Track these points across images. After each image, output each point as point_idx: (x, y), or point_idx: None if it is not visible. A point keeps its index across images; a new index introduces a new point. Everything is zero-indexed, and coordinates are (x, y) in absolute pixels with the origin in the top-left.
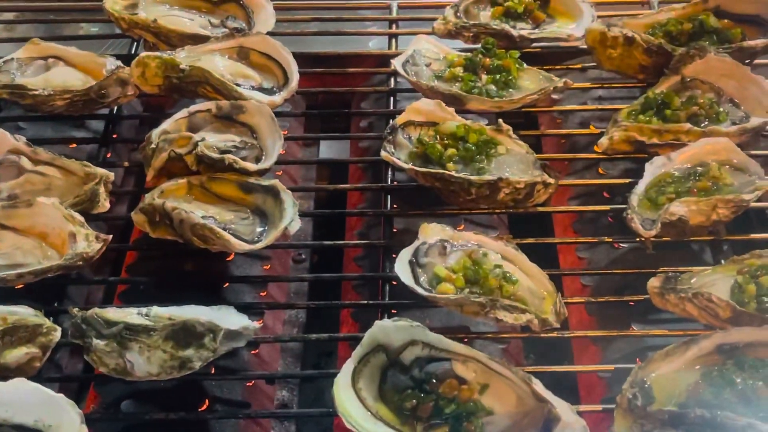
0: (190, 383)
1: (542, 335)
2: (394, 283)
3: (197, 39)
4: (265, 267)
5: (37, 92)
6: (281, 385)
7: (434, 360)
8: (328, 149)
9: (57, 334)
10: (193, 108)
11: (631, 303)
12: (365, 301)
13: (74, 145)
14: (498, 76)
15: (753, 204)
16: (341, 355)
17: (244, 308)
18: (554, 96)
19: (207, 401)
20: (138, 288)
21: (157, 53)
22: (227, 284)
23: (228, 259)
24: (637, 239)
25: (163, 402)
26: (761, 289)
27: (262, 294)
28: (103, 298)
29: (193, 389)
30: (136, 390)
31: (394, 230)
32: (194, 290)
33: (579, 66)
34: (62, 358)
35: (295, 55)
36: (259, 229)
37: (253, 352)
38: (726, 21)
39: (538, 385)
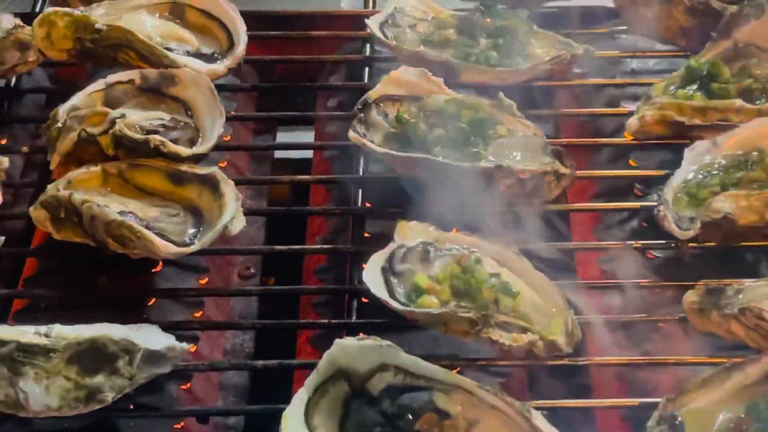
0: (101, 422)
1: (550, 362)
2: (365, 300)
3: None
4: (201, 281)
5: None
6: (220, 430)
7: (410, 389)
8: (290, 139)
9: None
10: (111, 78)
11: (663, 324)
12: (325, 320)
13: None
14: (501, 41)
15: None
16: (297, 390)
17: (172, 328)
18: (575, 69)
19: None
20: (38, 305)
21: (67, 9)
22: (152, 300)
23: (154, 270)
24: (673, 244)
25: None
26: None
27: (196, 315)
28: None
29: (105, 431)
30: None
31: (366, 235)
32: (110, 309)
33: (606, 30)
34: None
35: (245, 15)
36: (192, 230)
37: (183, 386)
38: None
39: (539, 420)
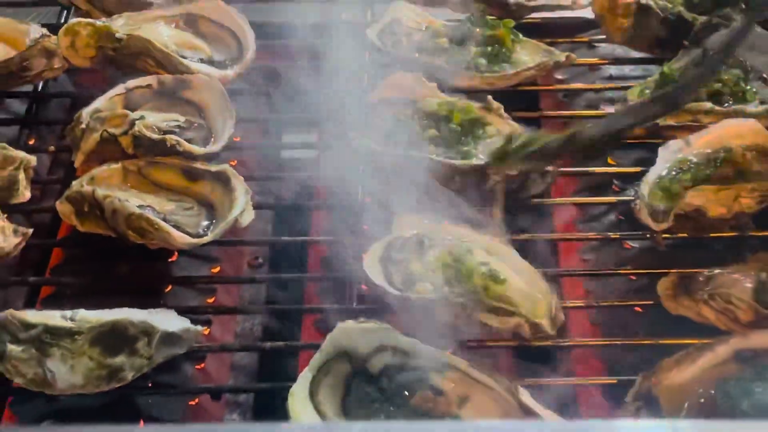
0: (121, 399)
1: (535, 344)
2: (365, 287)
3: (137, 5)
4: (214, 270)
5: None
6: (231, 407)
7: (407, 369)
8: (295, 139)
9: None
10: (131, 83)
11: (639, 309)
12: (328, 306)
13: None
14: (489, 49)
15: None
16: (302, 370)
17: (187, 312)
18: (558, 76)
19: (142, 422)
20: (64, 292)
21: (90, 20)
22: (169, 287)
23: (170, 259)
24: (648, 235)
25: (90, 422)
26: None
27: (209, 301)
28: (24, 304)
29: (125, 407)
30: (59, 408)
31: (366, 227)
32: (130, 295)
33: (586, 40)
34: None
35: (254, 25)
36: (205, 223)
37: (197, 366)
38: None
39: (525, 396)
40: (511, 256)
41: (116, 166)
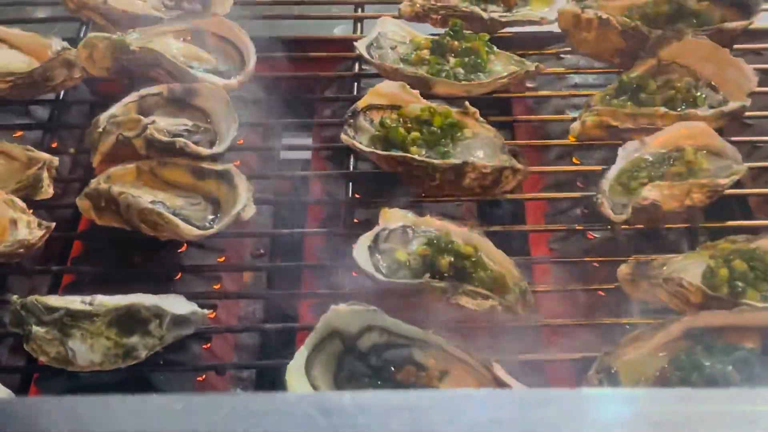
0: (136, 375)
1: (508, 324)
2: (354, 273)
3: (149, 21)
4: (219, 259)
5: None
6: (235, 382)
7: (392, 346)
8: (293, 142)
9: None
10: (143, 91)
11: (601, 292)
12: (322, 290)
13: (20, 133)
14: (466, 60)
15: (731, 191)
16: (299, 348)
17: (194, 298)
18: (528, 84)
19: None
20: (84, 280)
21: (106, 34)
22: (179, 275)
23: (179, 250)
24: (609, 226)
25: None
26: (734, 273)
27: (215, 287)
28: (48, 291)
29: (139, 382)
30: (79, 385)
31: (356, 220)
32: (143, 282)
33: (554, 51)
34: (1, 354)
35: (254, 39)
36: (211, 216)
37: (204, 346)
38: (706, 3)
39: (499, 371)
40: (487, 246)
41: (130, 165)
